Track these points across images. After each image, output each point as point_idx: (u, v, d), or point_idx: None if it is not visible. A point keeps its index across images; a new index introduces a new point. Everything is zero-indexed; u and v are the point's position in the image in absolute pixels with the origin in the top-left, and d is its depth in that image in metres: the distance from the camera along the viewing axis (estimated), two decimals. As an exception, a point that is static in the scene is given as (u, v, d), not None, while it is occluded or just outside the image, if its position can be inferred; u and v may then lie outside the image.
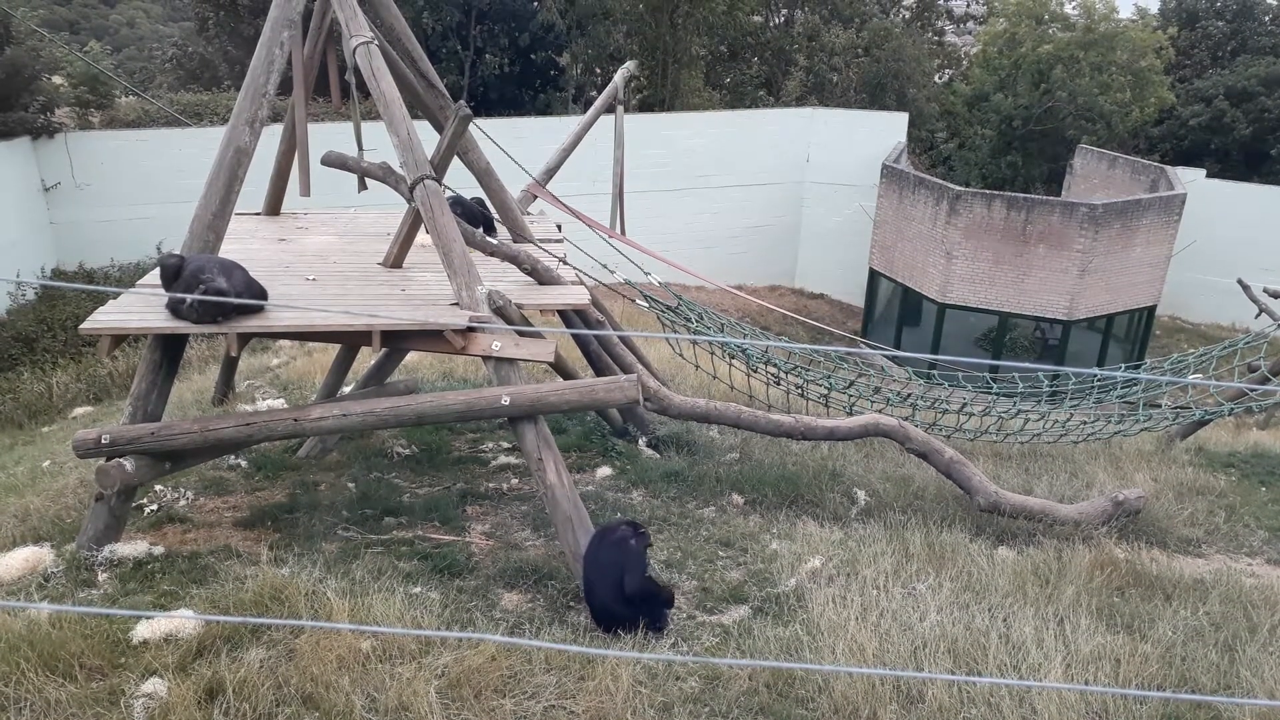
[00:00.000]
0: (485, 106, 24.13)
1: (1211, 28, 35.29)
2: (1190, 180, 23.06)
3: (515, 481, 7.36)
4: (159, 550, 5.54)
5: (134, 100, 21.37)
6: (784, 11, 32.91)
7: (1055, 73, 29.03)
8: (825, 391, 9.01)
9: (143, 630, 4.42)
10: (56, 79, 20.42)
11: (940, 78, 34.75)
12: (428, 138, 5.87)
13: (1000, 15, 32.00)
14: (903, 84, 29.95)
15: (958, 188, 20.98)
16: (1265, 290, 10.33)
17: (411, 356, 9.66)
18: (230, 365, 9.03)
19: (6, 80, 17.26)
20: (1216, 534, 7.67)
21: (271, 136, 6.91)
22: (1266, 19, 35.67)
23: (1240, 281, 11.04)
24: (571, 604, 5.35)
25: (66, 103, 20.06)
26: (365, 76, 5.99)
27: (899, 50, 30.12)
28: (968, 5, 35.89)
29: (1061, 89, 29.07)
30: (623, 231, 9.79)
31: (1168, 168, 23.71)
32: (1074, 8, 31.15)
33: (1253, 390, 8.85)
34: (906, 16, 34.69)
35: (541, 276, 6.36)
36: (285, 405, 8.60)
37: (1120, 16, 31.07)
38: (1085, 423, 9.28)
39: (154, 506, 6.34)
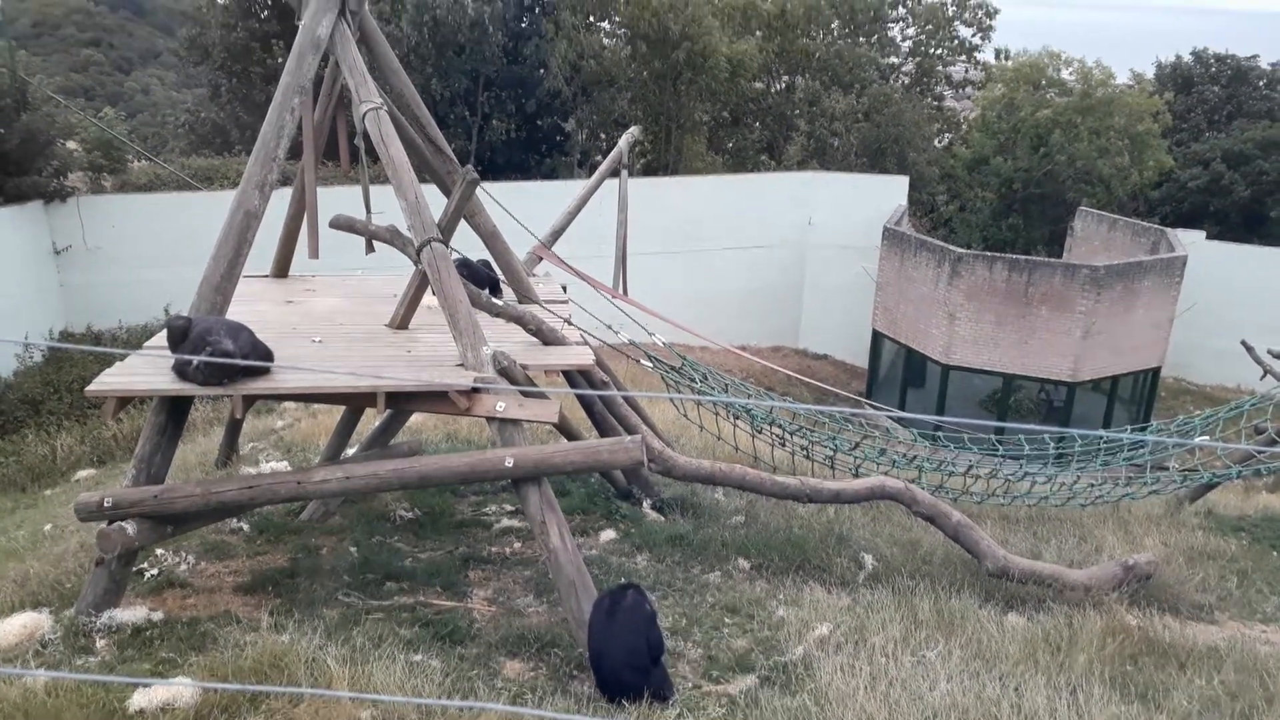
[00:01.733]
0: (492, 171, 24.49)
1: (1207, 92, 35.88)
2: (1191, 242, 23.21)
3: (518, 545, 7.29)
4: (158, 616, 5.47)
5: (146, 164, 21.73)
6: (785, 78, 33.54)
7: (1054, 137, 29.43)
8: (830, 453, 8.96)
9: (140, 699, 4.34)
10: (71, 144, 20.77)
11: (940, 141, 35.23)
12: (436, 201, 5.95)
13: (998, 81, 32.56)
14: (903, 148, 30.36)
15: (959, 250, 21.13)
16: (1270, 352, 10.35)
17: (415, 418, 9.64)
18: (235, 427, 9.02)
19: (22, 146, 17.56)
20: (1229, 600, 7.55)
21: (281, 200, 7.00)
22: (1261, 84, 36.27)
23: (1244, 343, 11.06)
24: (575, 673, 5.26)
25: (80, 167, 20.37)
26: (374, 141, 6.08)
27: (899, 115, 30.59)
28: (966, 71, 36.53)
29: (1060, 153, 29.44)
30: (626, 292, 9.85)
31: (1168, 230, 23.88)
32: (1071, 74, 31.71)
33: (1260, 453, 8.80)
34: (906, 82, 35.30)
35: (546, 337, 6.39)
36: (289, 467, 8.57)
37: (1117, 82, 31.61)
38: (1093, 485, 9.21)
39: (154, 571, 6.28)
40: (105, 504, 5.27)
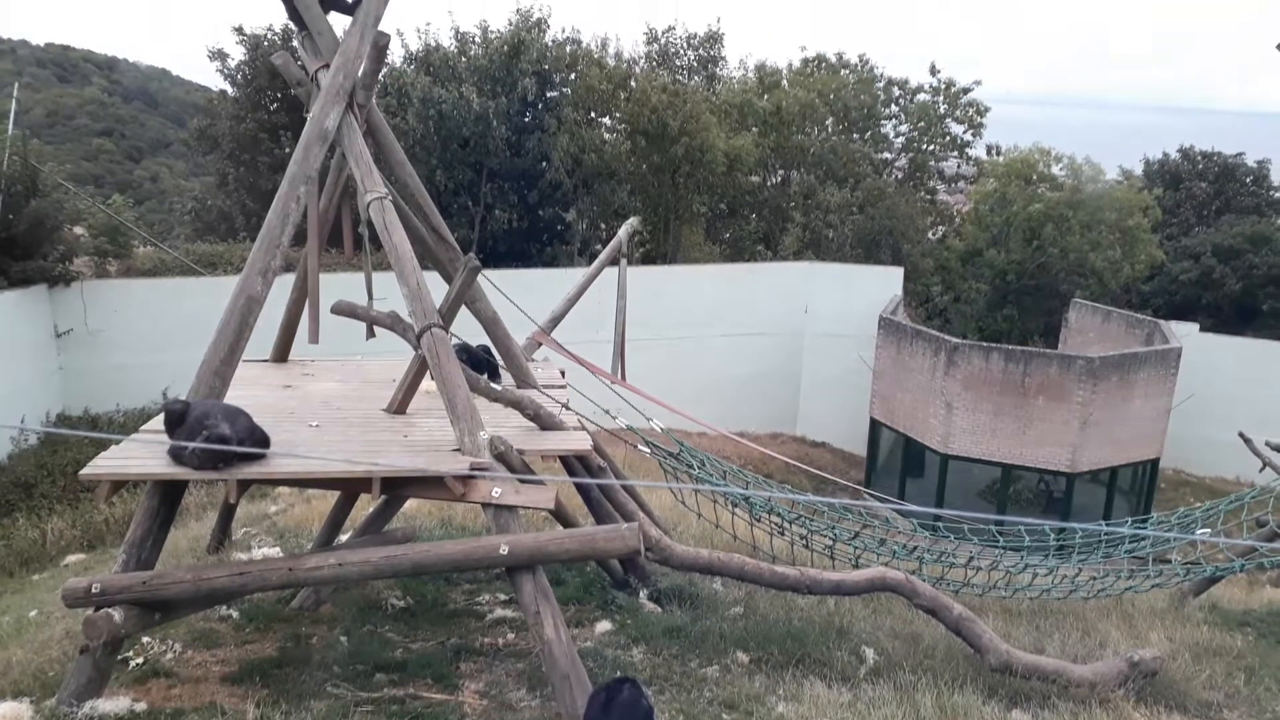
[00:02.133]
0: (494, 259, 24.80)
1: (1195, 188, 36.68)
2: (1185, 334, 23.40)
3: (511, 636, 7.15)
4: (141, 707, 5.33)
5: (151, 250, 21.96)
6: (781, 172, 34.29)
7: (1046, 230, 29.95)
8: (830, 543, 8.86)
9: (117, 794, 4.21)
10: (78, 229, 21.04)
11: (934, 234, 35.82)
12: (438, 288, 6.01)
13: (990, 175, 33.30)
14: (897, 240, 30.84)
15: (955, 340, 21.27)
16: (1268, 444, 10.33)
17: (410, 504, 9.56)
18: (228, 512, 8.93)
19: (29, 231, 17.78)
20: (1237, 698, 7.38)
21: (283, 285, 7.07)
22: (1248, 180, 37.10)
23: (1242, 435, 11.05)
24: (568, 769, 5.10)
25: (86, 252, 20.58)
26: (378, 230, 6.18)
27: (892, 208, 31.15)
28: (958, 166, 37.37)
29: (1053, 245, 29.93)
30: (624, 378, 9.89)
31: (1162, 322, 24.10)
32: (1061, 169, 32.44)
33: (1261, 546, 8.71)
34: (899, 176, 36.07)
35: (544, 422, 6.38)
36: (280, 553, 8.46)
37: (1106, 178, 32.33)
38: (1095, 578, 9.09)
39: (139, 660, 6.15)
40: (94, 590, 5.19)
